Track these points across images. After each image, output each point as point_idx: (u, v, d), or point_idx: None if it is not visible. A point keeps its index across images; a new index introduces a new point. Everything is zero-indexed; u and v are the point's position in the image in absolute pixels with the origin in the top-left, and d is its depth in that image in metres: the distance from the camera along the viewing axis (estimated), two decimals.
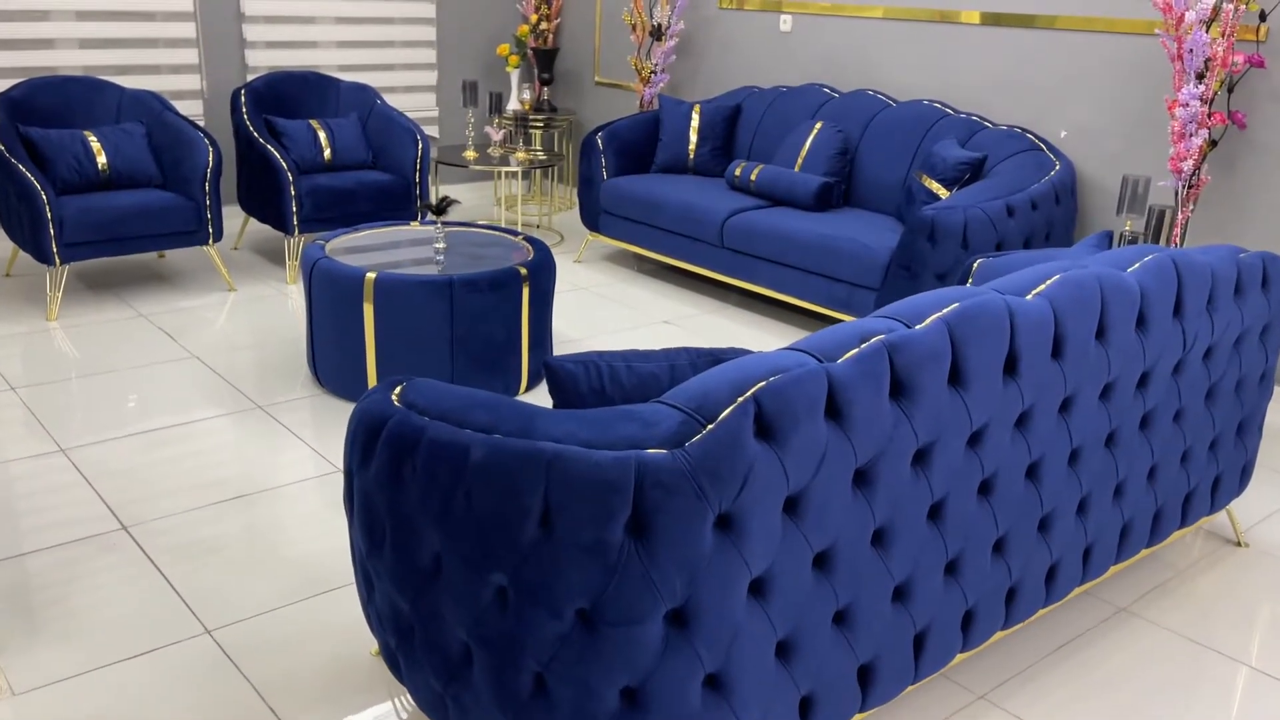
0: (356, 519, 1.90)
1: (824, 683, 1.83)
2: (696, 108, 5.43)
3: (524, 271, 3.68)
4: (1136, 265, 2.24)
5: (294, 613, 2.50)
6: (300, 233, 5.00)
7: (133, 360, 3.99)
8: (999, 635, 2.29)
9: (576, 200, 6.94)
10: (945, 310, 1.87)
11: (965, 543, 2.01)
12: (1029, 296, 2.02)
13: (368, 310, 3.54)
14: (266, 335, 4.31)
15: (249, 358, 4.06)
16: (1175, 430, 2.48)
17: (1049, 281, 2.06)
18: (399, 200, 5.28)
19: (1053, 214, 4.16)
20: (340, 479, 3.15)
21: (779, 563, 1.69)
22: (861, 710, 1.95)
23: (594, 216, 5.47)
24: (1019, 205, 4.04)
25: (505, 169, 5.51)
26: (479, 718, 1.75)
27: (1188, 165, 3.86)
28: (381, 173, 5.34)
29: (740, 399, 1.61)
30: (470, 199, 6.94)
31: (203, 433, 3.41)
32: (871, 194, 4.83)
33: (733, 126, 5.47)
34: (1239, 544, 2.99)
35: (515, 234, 4.16)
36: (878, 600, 1.88)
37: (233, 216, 6.05)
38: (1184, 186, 3.91)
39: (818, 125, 4.93)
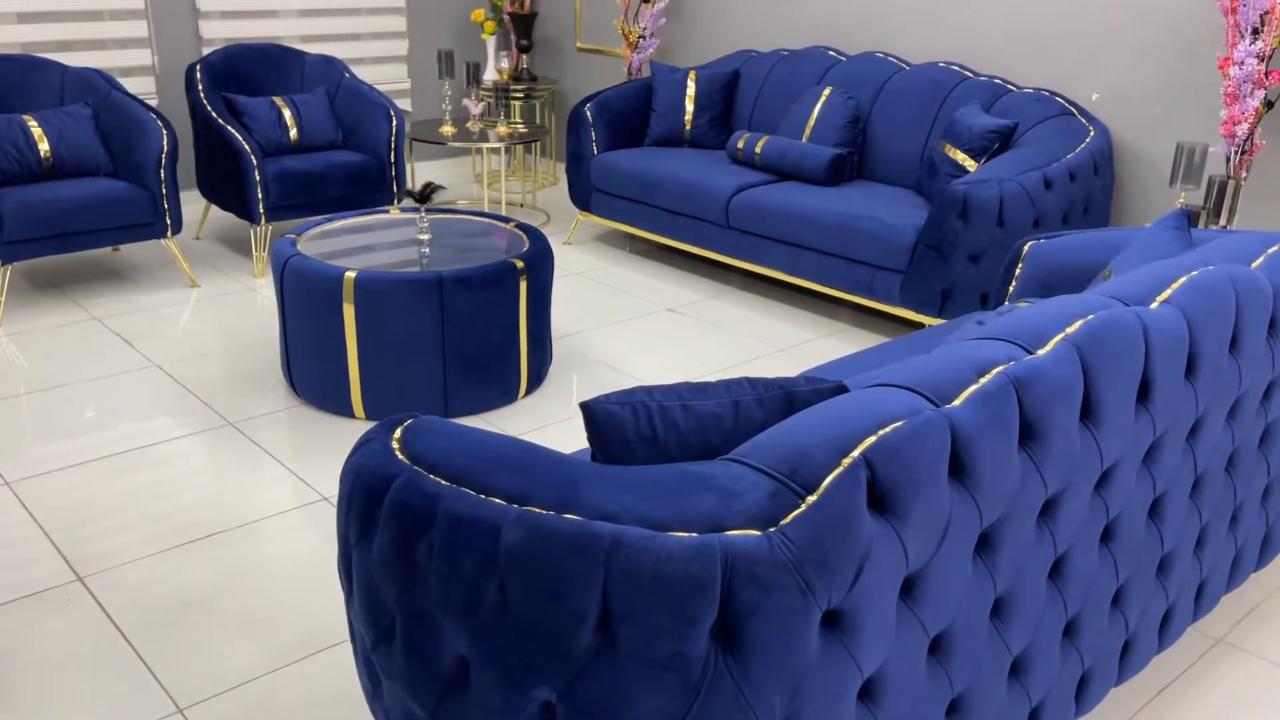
0: (357, 603, 1.55)
1: None
2: (692, 75, 5.04)
3: (520, 264, 3.31)
4: (1263, 259, 1.91)
5: (284, 681, 2.16)
6: (267, 221, 4.60)
7: (86, 371, 3.59)
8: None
9: (560, 176, 6.55)
10: (1071, 330, 1.54)
11: (1084, 600, 1.69)
12: (1154, 305, 1.69)
13: (348, 313, 3.17)
14: (235, 338, 3.92)
15: (217, 365, 3.67)
16: None
17: (1176, 285, 1.72)
18: (373, 182, 4.88)
19: (1091, 185, 3.83)
20: (326, 509, 2.79)
21: (891, 658, 1.36)
22: None
23: (585, 195, 5.08)
24: (1056, 177, 3.70)
25: (487, 145, 5.12)
26: None
27: (1242, 129, 3.53)
28: (353, 153, 4.93)
29: (846, 461, 1.27)
30: (447, 177, 6.53)
31: (168, 457, 3.04)
32: (887, 166, 4.48)
33: (731, 95, 5.09)
34: None
35: (505, 220, 3.78)
36: (994, 682, 1.55)
37: (191, 204, 5.61)
38: (1237, 153, 3.59)
39: (826, 92, 4.57)
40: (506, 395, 3.41)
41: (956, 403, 1.38)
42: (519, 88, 6.08)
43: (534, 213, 5.81)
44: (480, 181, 6.39)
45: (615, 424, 1.55)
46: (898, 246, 3.82)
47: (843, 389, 1.67)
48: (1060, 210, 3.73)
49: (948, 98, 4.34)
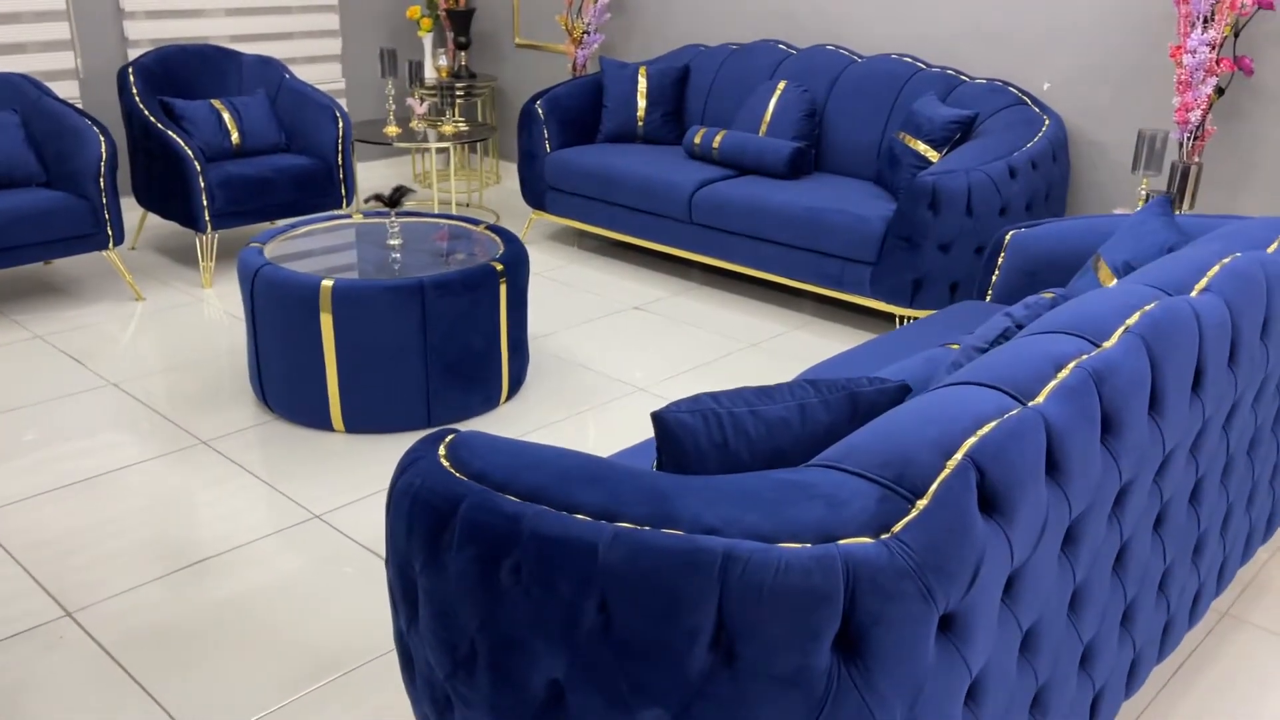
0: (427, 631, 1.49)
1: None
2: (642, 70, 5.01)
3: (500, 267, 3.24)
4: (1277, 244, 1.96)
5: (304, 710, 2.07)
6: (214, 229, 4.43)
7: (37, 393, 3.41)
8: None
9: (503, 174, 6.45)
10: (1131, 321, 1.55)
11: (1140, 587, 1.71)
12: (1195, 293, 1.72)
13: (326, 322, 3.06)
14: (192, 352, 3.77)
15: (178, 381, 3.52)
16: None
17: (1213, 274, 1.75)
18: (321, 186, 4.74)
19: (1051, 173, 3.91)
20: (318, 527, 2.69)
21: (992, 657, 1.35)
22: None
23: (538, 194, 5.01)
24: (1020, 166, 3.77)
25: (435, 145, 5.01)
26: None
27: (1195, 116, 3.64)
28: (298, 156, 4.78)
29: (952, 463, 1.25)
30: (388, 178, 6.39)
31: (142, 481, 2.90)
32: (844, 158, 4.51)
33: (683, 90, 5.07)
34: None
35: (475, 222, 3.70)
36: (1068, 673, 1.56)
37: (126, 212, 5.38)
38: (1190, 139, 3.70)
39: (781, 85, 4.58)
40: (489, 402, 3.34)
41: (1040, 399, 1.38)
42: (460, 85, 5.97)
43: (482, 212, 5.72)
44: (421, 182, 6.26)
45: (688, 433, 1.52)
46: (867, 238, 3.85)
47: (906, 389, 1.66)
48: (1025, 198, 3.80)
49: (903, 89, 4.39)
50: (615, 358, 3.80)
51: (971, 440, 1.28)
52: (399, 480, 1.59)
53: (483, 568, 1.38)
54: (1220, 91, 3.68)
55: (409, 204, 5.70)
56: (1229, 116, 3.79)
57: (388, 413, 3.17)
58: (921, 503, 1.23)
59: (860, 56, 4.61)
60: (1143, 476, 1.56)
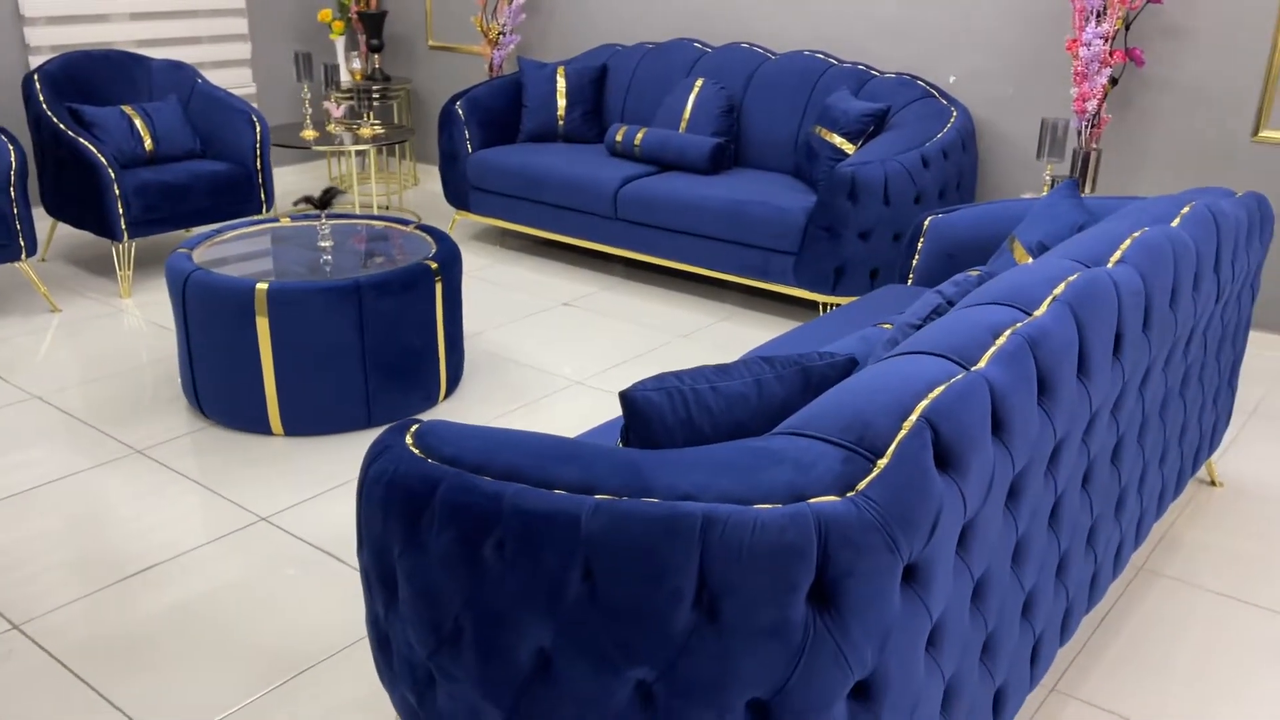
0: (409, 612, 1.53)
1: None
2: (561, 70, 5.06)
3: (434, 266, 3.27)
4: (1179, 220, 2.12)
5: (269, 707, 2.08)
6: (130, 237, 4.34)
7: None
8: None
9: (421, 176, 6.44)
10: (1059, 291, 1.67)
11: (1071, 540, 1.84)
12: (1111, 265, 1.85)
13: (262, 326, 3.05)
14: (117, 362, 3.70)
15: (104, 392, 3.46)
16: (1198, 386, 2.41)
17: (1125, 246, 1.89)
18: (240, 191, 4.68)
19: (961, 162, 4.09)
20: (265, 530, 2.69)
21: (949, 605, 1.45)
22: None
23: (462, 194, 5.03)
24: (932, 156, 3.93)
25: (355, 147, 4.99)
26: None
27: (1092, 105, 3.85)
28: (215, 162, 4.71)
29: (908, 424, 1.35)
30: (302, 183, 6.32)
31: (78, 492, 2.85)
32: (762, 153, 4.63)
33: (601, 89, 5.14)
34: (1214, 484, 2.99)
35: (405, 222, 3.71)
36: (1013, 621, 1.68)
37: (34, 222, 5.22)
38: (1088, 126, 3.90)
39: (698, 83, 4.68)
40: (428, 400, 3.36)
41: (982, 364, 1.49)
42: (377, 87, 5.94)
43: (403, 214, 5.70)
44: (339, 186, 6.20)
45: (655, 409, 1.59)
46: (790, 229, 3.97)
47: (854, 361, 1.76)
48: (938, 187, 3.96)
49: (816, 85, 4.53)
50: (549, 353, 3.85)
51: (924, 403, 1.38)
52: (370, 469, 1.63)
53: (465, 547, 1.43)
54: (1114, 81, 3.90)
55: (335, 207, 5.65)
56: (1123, 105, 4.01)
57: (327, 414, 3.17)
58: (882, 462, 1.32)
59: (774, 54, 4.74)
60: (1073, 435, 1.68)
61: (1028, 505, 1.60)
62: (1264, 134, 3.78)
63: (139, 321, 4.10)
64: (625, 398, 1.57)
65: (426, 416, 3.33)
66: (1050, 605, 1.82)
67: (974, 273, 2.13)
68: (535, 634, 1.39)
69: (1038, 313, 1.63)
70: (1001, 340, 1.53)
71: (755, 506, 1.28)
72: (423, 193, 6.17)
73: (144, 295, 4.40)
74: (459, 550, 1.44)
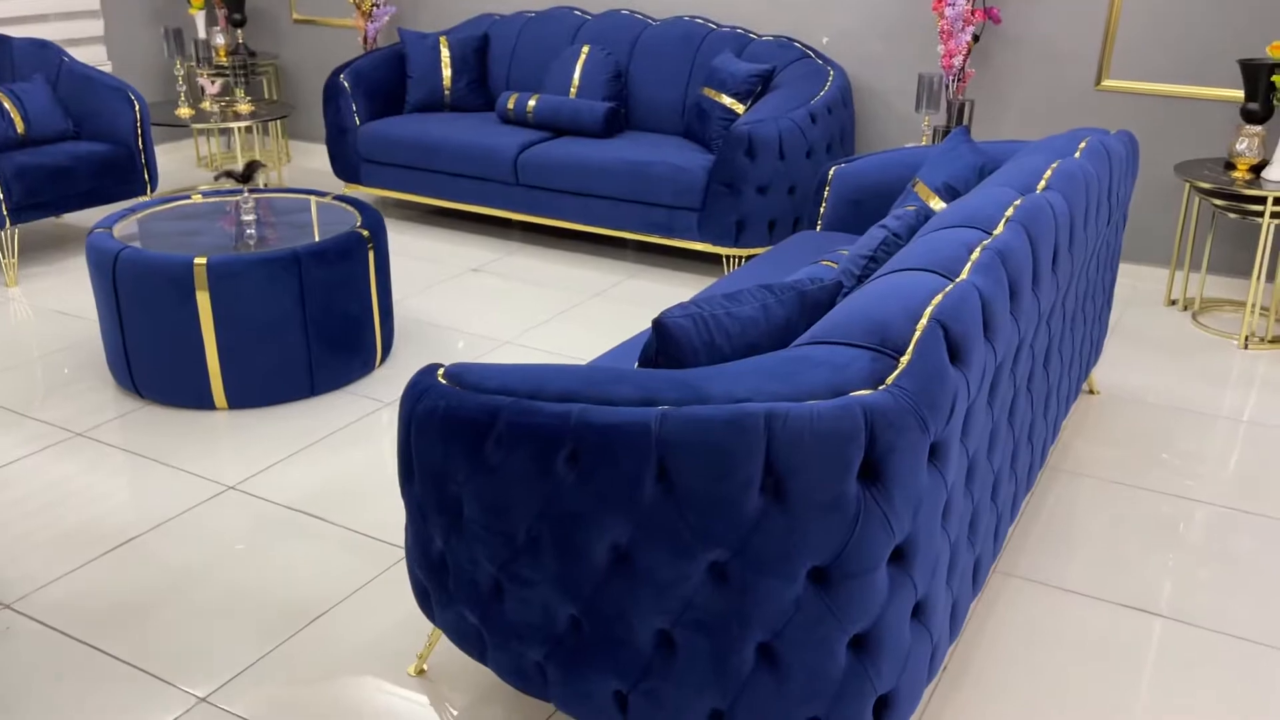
0: (479, 529, 1.67)
1: (963, 590, 1.89)
2: (444, 40, 5.11)
3: (366, 234, 3.33)
4: (1079, 153, 2.43)
5: (289, 654, 2.17)
6: (13, 223, 4.18)
7: None
8: None
9: (295, 153, 6.33)
10: (1010, 213, 1.94)
11: (1020, 432, 2.13)
12: (1039, 191, 2.14)
13: (203, 300, 3.06)
14: (23, 352, 3.60)
15: (21, 381, 3.37)
16: (1091, 302, 2.76)
17: (1048, 176, 2.18)
18: (125, 172, 4.55)
19: (843, 118, 4.39)
20: (235, 498, 2.73)
21: (954, 481, 1.70)
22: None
23: (352, 167, 5.03)
24: (819, 112, 4.22)
25: (240, 124, 4.91)
26: (681, 707, 1.62)
27: (958, 61, 4.20)
28: (94, 143, 4.56)
29: (921, 325, 1.58)
30: (176, 162, 6.13)
31: (31, 477, 2.81)
32: (651, 116, 4.82)
33: (484, 58, 5.21)
34: (1092, 392, 3.39)
35: (321, 194, 3.74)
36: (987, 501, 1.95)
37: None
38: (954, 81, 4.26)
39: (585, 50, 4.82)
40: (366, 366, 3.43)
41: (964, 275, 1.73)
42: (245, 64, 5.81)
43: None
44: (208, 166, 6.06)
45: (684, 333, 1.77)
46: (691, 187, 4.19)
47: (840, 286, 1.98)
48: (825, 141, 4.25)
49: (699, 48, 4.74)
50: (471, 317, 3.95)
51: (930, 307, 1.61)
52: (416, 409, 1.75)
53: (537, 463, 1.58)
54: (976, 39, 4.26)
55: (178, 189, 5.52)
56: (984, 60, 4.40)
57: (271, 385, 3.20)
58: (904, 359, 1.55)
59: (654, 20, 4.93)
60: (1027, 339, 1.96)
61: (1000, 399, 1.86)
62: (1105, 83, 4.22)
63: (31, 309, 3.97)
64: (659, 323, 1.75)
65: (368, 381, 3.41)
66: (1006, 488, 2.10)
67: (910, 208, 2.39)
68: (612, 532, 1.56)
69: (997, 231, 1.89)
70: (976, 255, 1.78)
71: (807, 402, 1.49)
72: (299, 170, 6.10)
73: (31, 284, 4.25)
74: (531, 466, 1.59)
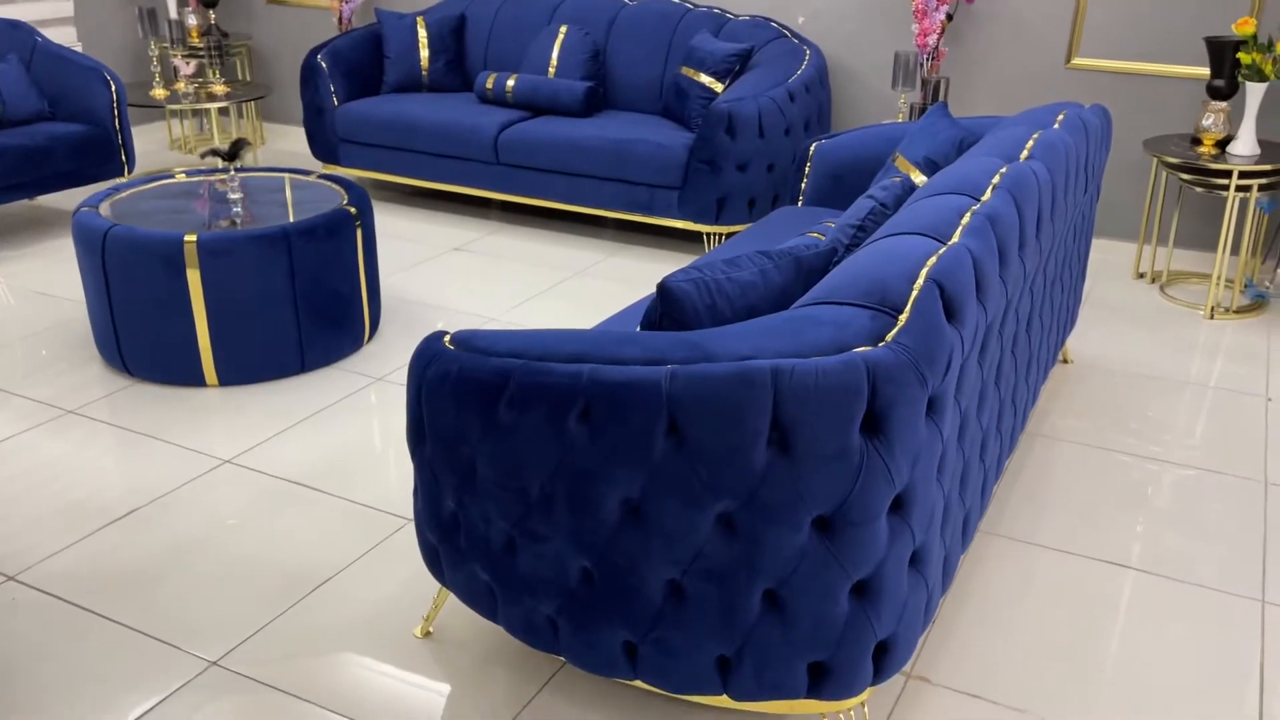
0: (491, 488, 1.72)
1: (954, 542, 1.96)
2: (420, 20, 5.11)
3: (354, 211, 3.36)
4: (1058, 124, 2.51)
5: (296, 619, 2.21)
6: None
7: None
8: None
9: (269, 135, 6.31)
10: (997, 180, 2.01)
11: (1005, 394, 2.20)
12: (1022, 160, 2.21)
13: (193, 278, 3.07)
14: (5, 332, 3.59)
15: (5, 360, 3.37)
16: (1068, 271, 2.84)
17: (1030, 145, 2.26)
18: (102, 153, 4.54)
19: (820, 96, 4.45)
20: (233, 471, 2.76)
21: (949, 436, 1.77)
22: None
23: (330, 148, 5.03)
24: (796, 91, 4.28)
25: (216, 105, 4.90)
26: (689, 655, 1.69)
27: (932, 39, 4.28)
28: (69, 124, 4.54)
29: (918, 285, 1.64)
30: (146, 144, 6.09)
31: (25, 452, 2.82)
32: (630, 95, 4.86)
33: (461, 38, 5.22)
34: (1065, 360, 3.49)
35: (306, 173, 3.75)
36: (976, 458, 2.02)
37: None
38: (929, 59, 4.34)
39: (563, 30, 4.85)
40: (355, 343, 3.45)
41: (956, 238, 1.80)
42: (219, 45, 5.78)
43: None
44: (182, 148, 6.03)
45: (687, 297, 1.82)
46: (672, 165, 4.24)
47: (834, 251, 2.04)
48: (803, 120, 4.31)
49: (677, 28, 4.79)
50: (456, 295, 3.99)
51: (926, 268, 1.68)
52: (427, 373, 1.80)
53: (550, 422, 1.64)
54: (950, 18, 4.34)
55: (158, 168, 5.50)
56: (957, 39, 4.48)
57: (262, 362, 3.22)
58: (903, 317, 1.61)
59: (630, 0, 4.97)
60: (1014, 302, 2.04)
61: (989, 359, 1.94)
62: (1075, 62, 4.32)
63: (10, 291, 3.96)
64: (663, 286, 1.80)
65: (358, 358, 3.44)
66: (993, 447, 2.18)
67: (895, 179, 2.46)
68: (625, 486, 1.62)
69: (985, 197, 1.96)
70: (966, 219, 1.85)
71: (812, 359, 1.55)
72: (274, 151, 6.08)
73: (9, 265, 4.23)
74: (544, 426, 1.64)
